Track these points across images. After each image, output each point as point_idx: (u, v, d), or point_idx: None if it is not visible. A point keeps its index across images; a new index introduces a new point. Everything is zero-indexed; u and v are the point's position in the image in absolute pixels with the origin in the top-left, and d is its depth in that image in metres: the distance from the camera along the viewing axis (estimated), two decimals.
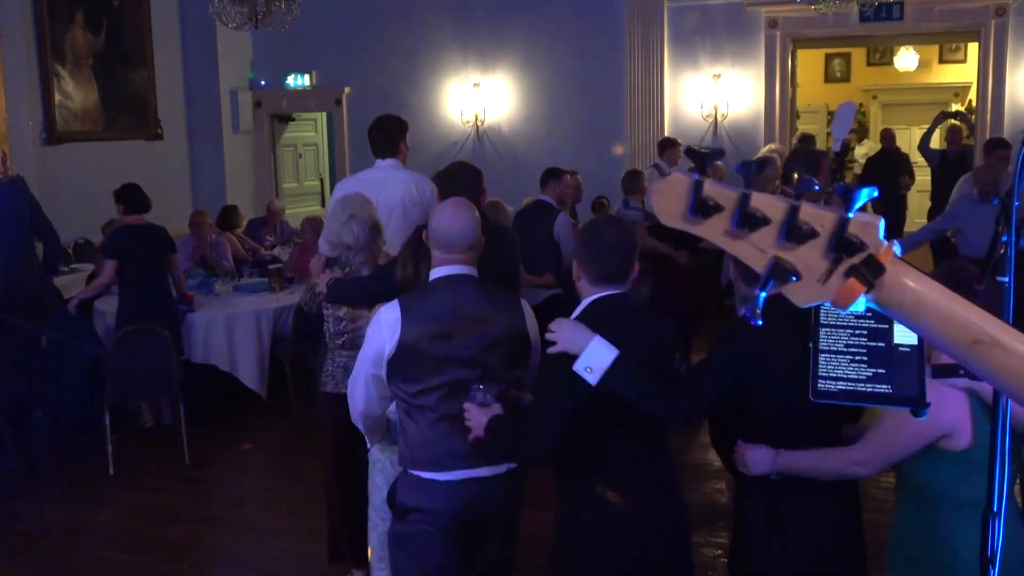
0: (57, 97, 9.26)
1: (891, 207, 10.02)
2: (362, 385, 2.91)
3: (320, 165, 12.74)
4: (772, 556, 2.56)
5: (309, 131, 12.50)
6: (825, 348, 1.43)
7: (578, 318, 2.50)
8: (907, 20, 9.60)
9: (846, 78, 15.07)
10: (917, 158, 10.02)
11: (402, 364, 2.78)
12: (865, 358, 1.42)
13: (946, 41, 13.37)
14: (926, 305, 0.78)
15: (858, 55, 14.85)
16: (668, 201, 0.85)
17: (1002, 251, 1.57)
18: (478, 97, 10.65)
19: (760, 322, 0.85)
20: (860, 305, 0.79)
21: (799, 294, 0.79)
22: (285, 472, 5.89)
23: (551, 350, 2.43)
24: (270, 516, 5.18)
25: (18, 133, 8.75)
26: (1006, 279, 1.58)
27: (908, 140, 12.42)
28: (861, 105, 15.11)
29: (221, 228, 8.63)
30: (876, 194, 0.81)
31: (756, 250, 0.81)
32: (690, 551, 2.76)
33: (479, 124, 10.68)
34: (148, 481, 5.62)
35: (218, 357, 6.41)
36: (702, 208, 0.83)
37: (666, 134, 9.85)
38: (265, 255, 8.57)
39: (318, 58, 11.08)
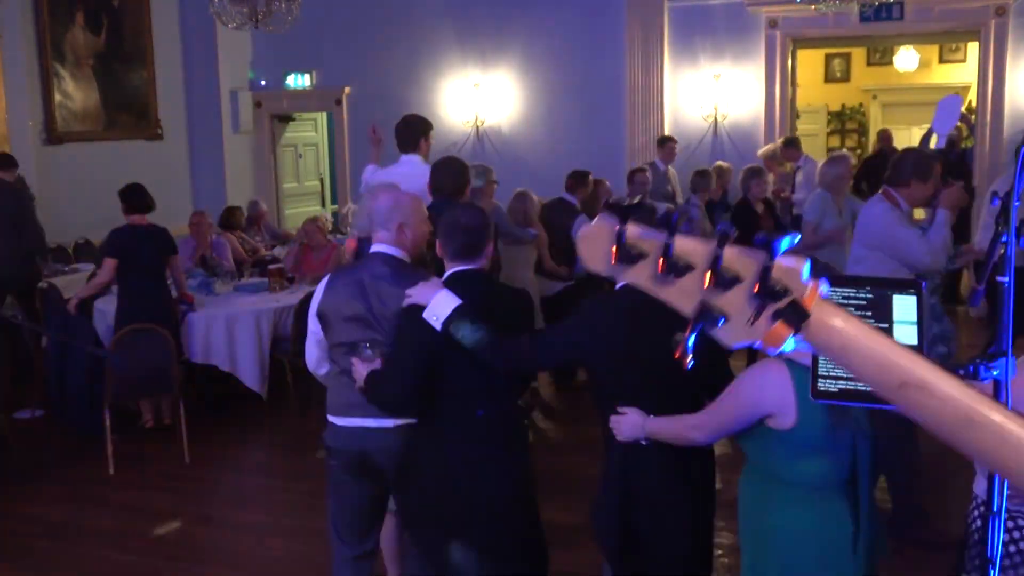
0: (57, 97, 9.26)
1: None
2: (312, 344, 3.35)
3: (320, 165, 12.75)
4: (616, 517, 2.78)
5: (309, 131, 12.50)
6: None
7: None
8: (907, 20, 9.61)
9: (846, 78, 15.08)
10: None
11: (323, 325, 3.24)
12: None
13: (946, 41, 13.37)
14: (853, 347, 0.79)
15: (858, 55, 14.86)
16: (594, 248, 0.86)
17: (1002, 251, 1.58)
18: (478, 97, 10.65)
19: (692, 364, 0.87)
20: (789, 346, 0.81)
21: (728, 336, 0.81)
22: (285, 472, 5.89)
23: (406, 302, 2.85)
24: (270, 516, 5.18)
25: (18, 133, 8.76)
26: (1006, 279, 1.58)
27: (908, 140, 12.41)
28: (861, 105, 15.13)
29: (223, 228, 8.63)
30: (797, 240, 0.82)
31: (684, 295, 0.82)
32: (526, 524, 3.02)
33: (479, 124, 10.69)
34: (148, 481, 5.62)
35: (218, 357, 6.41)
36: (626, 256, 0.85)
37: (666, 134, 9.87)
38: (265, 255, 8.57)
39: (318, 58, 11.09)
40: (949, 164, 9.09)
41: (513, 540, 2.98)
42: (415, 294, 2.83)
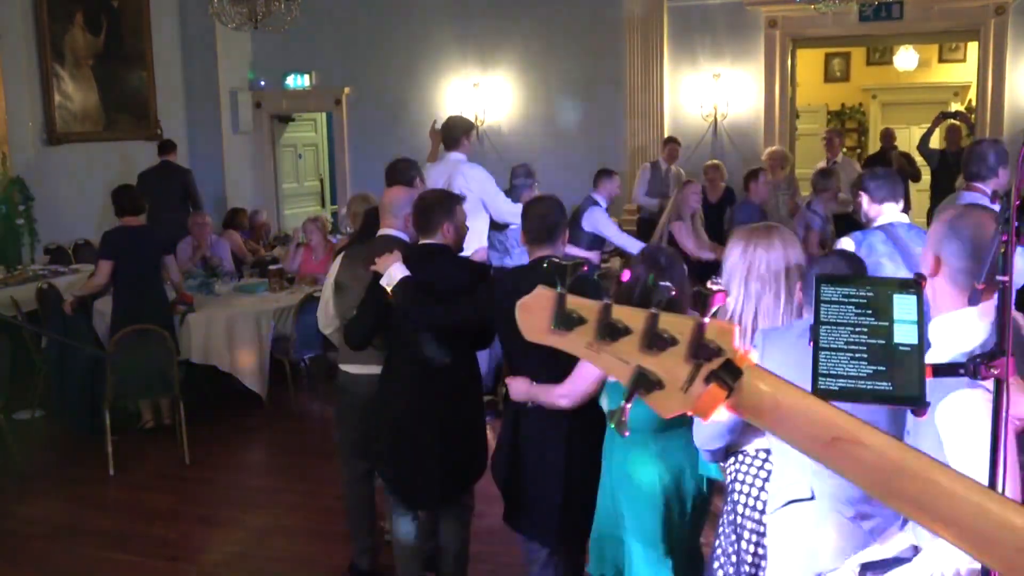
0: (57, 98, 9.26)
1: None
2: (322, 308, 4.09)
3: (320, 165, 12.74)
4: (506, 459, 3.40)
5: (309, 131, 12.49)
6: (825, 346, 1.43)
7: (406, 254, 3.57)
8: (907, 19, 9.61)
9: (846, 78, 15.07)
10: (917, 158, 10.01)
11: (337, 292, 3.98)
12: (865, 356, 1.42)
13: (945, 40, 13.36)
14: (784, 405, 0.79)
15: (858, 55, 14.85)
16: (533, 316, 0.85)
17: (1002, 251, 1.58)
18: (478, 97, 10.65)
19: (627, 434, 0.88)
20: (722, 413, 0.81)
21: (664, 404, 0.81)
22: (285, 472, 5.89)
23: (372, 267, 3.55)
24: (270, 516, 5.18)
25: (18, 133, 8.76)
26: (1006, 279, 1.58)
27: (908, 140, 12.41)
28: (861, 105, 15.14)
29: (227, 227, 8.65)
30: (726, 300, 0.84)
31: (619, 361, 0.83)
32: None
33: (479, 124, 10.69)
34: (148, 481, 5.62)
35: (218, 357, 6.41)
36: (565, 321, 0.84)
37: (666, 134, 9.87)
38: (265, 255, 8.58)
39: (318, 58, 11.08)
40: (949, 164, 9.10)
41: (431, 474, 3.62)
42: (377, 264, 3.52)
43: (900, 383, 1.41)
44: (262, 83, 11.38)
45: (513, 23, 10.43)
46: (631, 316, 0.82)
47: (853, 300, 1.49)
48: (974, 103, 10.83)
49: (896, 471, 0.77)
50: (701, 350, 0.80)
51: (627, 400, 0.83)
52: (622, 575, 3.03)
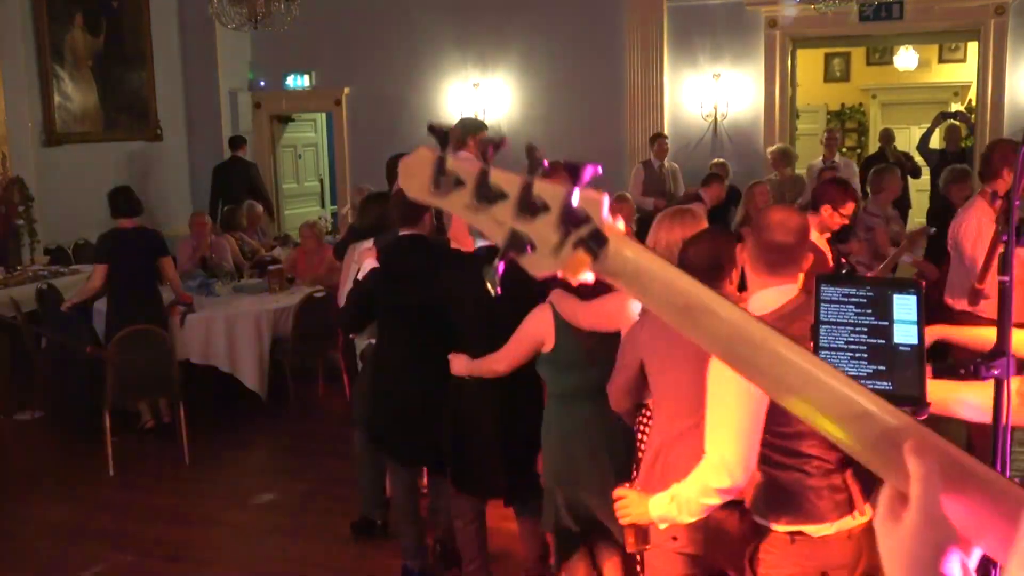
0: (56, 98, 9.26)
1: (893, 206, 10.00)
2: (342, 291, 4.53)
3: (320, 166, 12.74)
4: (451, 426, 3.86)
5: (309, 131, 12.49)
6: (825, 345, 1.43)
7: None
8: (907, 20, 9.60)
9: (846, 78, 15.07)
10: (917, 158, 10.01)
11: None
12: (865, 355, 1.43)
13: (946, 41, 13.36)
14: (644, 273, 0.84)
15: (858, 55, 14.85)
16: (413, 176, 0.88)
17: (1002, 250, 1.58)
18: (478, 97, 10.65)
19: (499, 290, 0.93)
20: (588, 275, 0.85)
21: (534, 265, 0.85)
22: (285, 472, 5.89)
23: (356, 258, 4.18)
24: (270, 516, 5.18)
25: (18, 134, 8.75)
26: (1006, 278, 1.58)
27: (908, 140, 12.41)
28: (861, 105, 15.14)
29: (224, 229, 8.63)
30: (600, 171, 0.86)
31: (495, 223, 0.86)
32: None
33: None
34: (148, 481, 5.62)
35: (218, 358, 6.41)
36: (445, 183, 0.87)
37: (666, 134, 9.86)
38: (265, 256, 8.57)
39: (318, 58, 11.08)
40: (948, 164, 9.09)
41: (408, 425, 4.07)
42: (356, 256, 4.20)
43: (901, 383, 1.41)
44: (262, 83, 11.38)
45: (513, 23, 10.43)
46: (508, 182, 0.85)
47: (853, 300, 1.49)
48: (974, 103, 10.83)
49: (741, 339, 0.83)
50: (571, 217, 0.83)
51: (500, 258, 0.87)
52: (576, 523, 3.43)
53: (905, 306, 1.48)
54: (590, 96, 10.32)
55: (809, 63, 13.99)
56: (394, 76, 10.79)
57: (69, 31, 9.43)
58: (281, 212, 11.73)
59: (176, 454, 5.78)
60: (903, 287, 1.52)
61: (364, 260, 3.94)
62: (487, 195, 0.86)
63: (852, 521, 2.40)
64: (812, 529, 2.38)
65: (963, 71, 13.86)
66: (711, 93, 10.06)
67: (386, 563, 4.44)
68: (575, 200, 0.84)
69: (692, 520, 2.38)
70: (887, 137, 10.56)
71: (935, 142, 9.57)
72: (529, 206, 0.85)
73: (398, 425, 4.10)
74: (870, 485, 2.38)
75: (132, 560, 4.62)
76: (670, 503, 2.35)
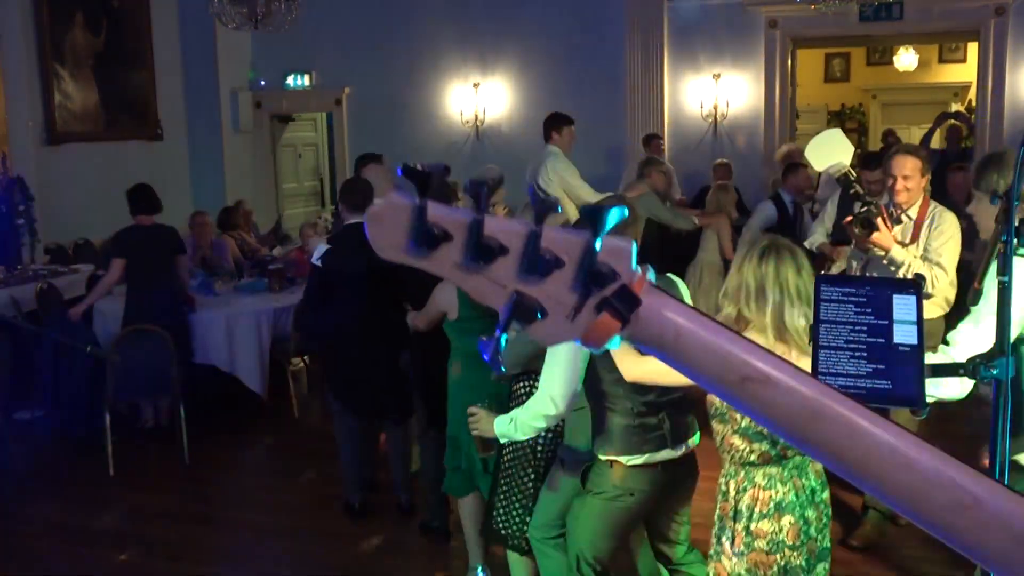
0: (57, 98, 9.25)
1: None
2: None
3: (320, 165, 12.74)
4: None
5: (309, 131, 12.49)
6: (825, 344, 1.43)
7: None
8: (907, 20, 9.60)
9: (846, 78, 15.08)
10: None
11: None
12: (864, 354, 1.43)
13: (946, 41, 13.37)
14: (688, 339, 0.68)
15: (858, 55, 14.85)
16: (386, 230, 0.71)
17: (1002, 250, 1.58)
18: (478, 97, 10.65)
19: (503, 369, 0.73)
20: (615, 343, 0.69)
21: (546, 333, 0.69)
22: (285, 472, 5.89)
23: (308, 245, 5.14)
24: (270, 516, 5.18)
25: (18, 133, 8.75)
26: (1006, 278, 1.58)
27: (908, 140, 12.41)
28: (861, 105, 15.14)
29: (222, 229, 8.63)
30: (627, 214, 0.69)
31: (494, 285, 0.70)
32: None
33: (479, 124, 10.69)
34: (148, 481, 5.62)
35: (218, 357, 6.41)
36: (427, 238, 0.70)
37: (666, 134, 9.87)
38: (265, 255, 8.57)
39: (318, 58, 11.08)
40: (949, 164, 9.09)
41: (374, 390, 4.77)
42: (306, 244, 4.89)
43: (899, 382, 1.41)
44: (262, 83, 11.37)
45: (513, 23, 10.43)
46: (507, 233, 0.69)
47: (853, 299, 1.49)
48: (974, 103, 10.83)
49: (811, 415, 0.68)
50: (591, 275, 0.68)
51: (503, 330, 0.70)
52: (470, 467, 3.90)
53: (904, 306, 1.49)
54: (590, 96, 10.30)
55: (809, 63, 14.00)
56: (394, 76, 10.79)
57: (70, 31, 9.43)
58: (281, 212, 11.73)
59: (176, 454, 5.78)
60: (902, 287, 1.52)
61: (311, 243, 4.74)
62: (482, 252, 0.69)
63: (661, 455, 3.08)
64: (625, 459, 3.06)
65: (963, 71, 13.86)
66: (711, 93, 10.06)
67: (387, 563, 4.44)
68: (597, 252, 0.68)
69: (525, 438, 3.19)
70: (890, 139, 10.59)
71: (936, 142, 9.58)
72: (537, 262, 0.68)
73: (350, 380, 4.81)
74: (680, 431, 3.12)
75: (132, 560, 4.62)
76: (509, 424, 3.07)
